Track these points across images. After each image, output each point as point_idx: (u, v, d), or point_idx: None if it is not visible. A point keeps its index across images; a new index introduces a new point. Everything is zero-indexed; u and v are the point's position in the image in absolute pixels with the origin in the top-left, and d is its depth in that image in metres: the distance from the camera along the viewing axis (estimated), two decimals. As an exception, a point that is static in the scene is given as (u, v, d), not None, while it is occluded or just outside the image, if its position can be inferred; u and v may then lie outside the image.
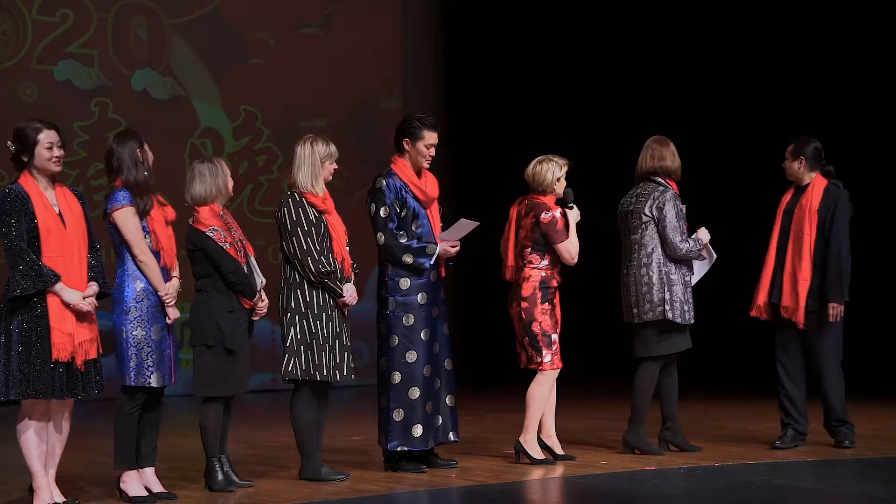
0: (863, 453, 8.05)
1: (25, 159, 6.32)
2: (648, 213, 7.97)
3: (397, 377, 7.51)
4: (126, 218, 6.66)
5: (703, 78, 12.77)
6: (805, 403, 8.25)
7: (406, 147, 7.62)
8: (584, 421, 9.73)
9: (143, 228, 6.69)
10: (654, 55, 13.10)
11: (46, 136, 6.33)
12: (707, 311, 8.29)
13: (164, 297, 6.69)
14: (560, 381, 7.87)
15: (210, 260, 6.98)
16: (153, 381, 6.66)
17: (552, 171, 7.74)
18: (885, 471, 7.54)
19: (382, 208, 7.52)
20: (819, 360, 8.15)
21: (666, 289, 7.91)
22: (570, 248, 7.73)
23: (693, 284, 8.02)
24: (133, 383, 6.65)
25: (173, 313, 6.74)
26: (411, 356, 7.52)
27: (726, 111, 12.64)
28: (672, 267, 7.97)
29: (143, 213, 6.68)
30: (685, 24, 12.95)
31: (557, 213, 7.72)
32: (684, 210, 8.04)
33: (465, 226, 7.59)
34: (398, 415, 7.49)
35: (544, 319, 7.72)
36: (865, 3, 11.92)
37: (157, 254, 6.72)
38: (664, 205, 7.93)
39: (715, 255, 8.08)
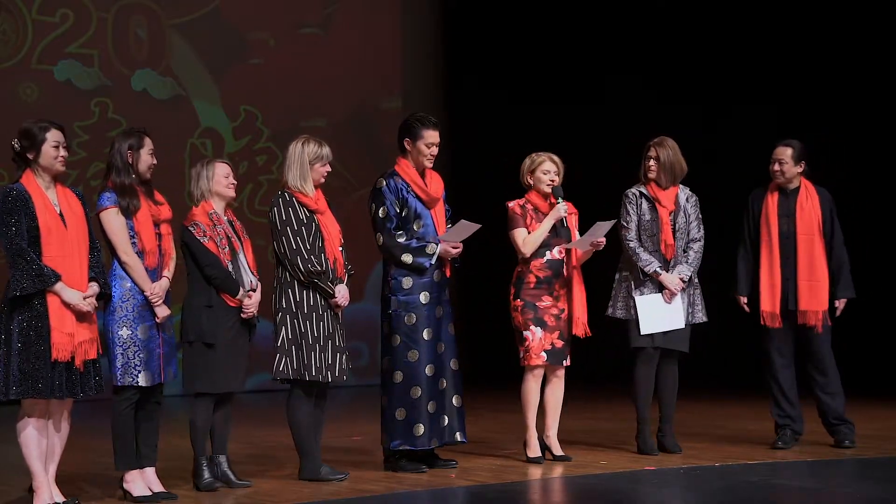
0: (863, 453, 8.06)
1: (31, 157, 6.33)
2: None
3: (399, 376, 7.51)
4: (109, 219, 6.67)
5: (703, 78, 12.77)
6: (800, 403, 8.29)
7: (407, 147, 7.63)
8: (583, 421, 9.73)
9: (130, 228, 6.70)
10: (655, 55, 13.10)
11: (53, 136, 6.36)
12: (707, 311, 8.28)
13: (149, 297, 6.69)
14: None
15: (189, 254, 7.02)
16: (141, 381, 6.66)
17: (526, 163, 7.89)
18: (885, 471, 7.53)
19: (381, 209, 7.52)
20: (823, 357, 8.21)
21: (615, 286, 8.14)
22: (517, 237, 7.79)
23: (648, 332, 8.00)
24: (120, 383, 6.65)
25: (161, 312, 6.72)
26: (413, 355, 7.51)
27: (726, 110, 12.64)
28: (623, 265, 8.12)
29: (127, 213, 6.68)
30: (685, 24, 12.95)
31: (512, 203, 7.84)
32: (652, 211, 8.05)
33: (465, 227, 7.58)
34: (400, 414, 7.49)
35: (516, 315, 7.81)
36: (862, 3, 11.92)
37: (141, 255, 6.72)
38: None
39: (678, 313, 8.04)
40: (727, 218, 8.91)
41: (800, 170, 8.25)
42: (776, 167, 8.24)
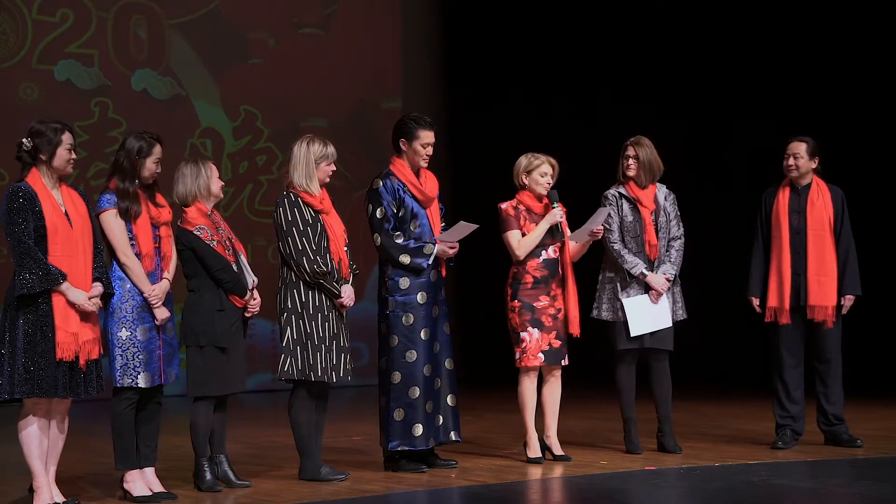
0: (863, 453, 8.05)
1: (44, 158, 6.34)
2: None
3: (397, 377, 7.51)
4: (109, 221, 6.68)
5: (704, 79, 12.77)
6: (804, 403, 8.28)
7: (403, 147, 7.63)
8: (583, 421, 9.73)
9: (128, 231, 6.69)
10: (655, 57, 13.10)
11: (67, 138, 6.39)
12: (707, 310, 8.29)
13: (148, 298, 6.69)
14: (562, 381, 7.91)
15: (198, 258, 6.99)
16: (141, 382, 6.66)
17: (523, 163, 7.86)
18: (884, 471, 7.54)
19: (378, 209, 7.53)
20: (831, 355, 8.21)
21: (599, 287, 8.14)
22: (511, 240, 7.76)
23: (637, 333, 7.99)
24: (119, 384, 6.66)
25: (160, 314, 6.73)
26: (411, 356, 7.52)
27: (723, 109, 12.65)
28: (608, 266, 8.12)
29: (126, 217, 6.68)
30: (684, 25, 12.95)
31: (504, 205, 7.81)
32: (633, 212, 8.04)
33: (463, 228, 7.58)
34: (398, 414, 7.49)
35: (513, 316, 7.78)
36: (861, 4, 11.92)
37: (139, 258, 6.70)
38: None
39: (664, 312, 8.04)
40: (723, 218, 8.91)
41: (813, 165, 8.22)
42: (790, 161, 8.21)
